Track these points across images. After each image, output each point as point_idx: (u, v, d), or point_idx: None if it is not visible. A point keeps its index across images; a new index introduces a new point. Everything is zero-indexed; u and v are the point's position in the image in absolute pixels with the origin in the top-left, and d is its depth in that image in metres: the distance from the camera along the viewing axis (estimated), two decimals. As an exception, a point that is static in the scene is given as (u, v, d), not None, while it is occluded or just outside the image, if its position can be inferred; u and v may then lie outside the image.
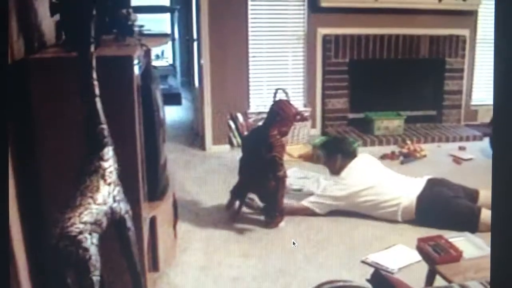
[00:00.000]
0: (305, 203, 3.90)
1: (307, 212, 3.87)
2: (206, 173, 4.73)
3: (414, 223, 3.75)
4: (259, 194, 3.83)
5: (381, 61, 6.10)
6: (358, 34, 5.99)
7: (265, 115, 5.52)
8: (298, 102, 6.05)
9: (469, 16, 6.29)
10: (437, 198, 3.76)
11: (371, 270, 3.01)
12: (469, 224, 3.48)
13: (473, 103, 6.59)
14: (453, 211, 3.66)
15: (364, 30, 6.00)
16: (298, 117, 3.97)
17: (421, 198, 3.79)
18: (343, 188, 3.88)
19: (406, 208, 3.77)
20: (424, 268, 2.72)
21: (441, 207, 3.70)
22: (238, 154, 4.01)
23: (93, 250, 2.01)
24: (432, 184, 3.89)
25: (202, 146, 5.49)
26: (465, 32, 6.29)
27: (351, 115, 6.20)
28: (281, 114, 3.77)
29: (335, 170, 4.06)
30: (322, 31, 5.95)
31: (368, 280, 2.19)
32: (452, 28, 6.25)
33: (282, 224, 3.77)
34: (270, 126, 3.77)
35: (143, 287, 2.47)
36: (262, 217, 3.82)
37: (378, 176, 3.97)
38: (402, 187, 3.89)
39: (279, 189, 3.72)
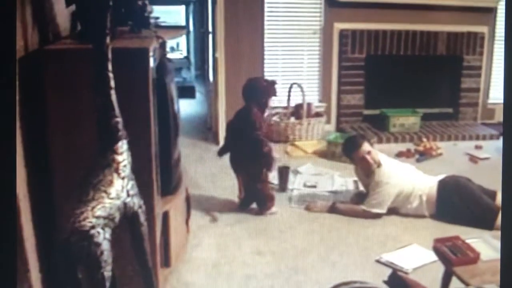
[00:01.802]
0: (368, 207, 3.81)
1: (365, 215, 3.82)
2: (219, 168, 4.68)
3: (431, 220, 3.72)
4: (248, 180, 3.85)
5: (398, 57, 6.04)
6: (375, 29, 5.91)
7: (280, 110, 5.56)
8: (313, 97, 6.02)
9: (488, 13, 6.19)
10: (459, 185, 3.76)
11: (385, 269, 2.99)
12: (487, 220, 3.48)
13: (490, 101, 6.49)
14: (473, 202, 3.64)
15: (381, 26, 5.93)
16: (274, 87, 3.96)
17: (443, 183, 3.79)
18: (392, 183, 3.82)
19: (429, 195, 3.76)
20: (439, 269, 2.67)
21: (462, 195, 3.69)
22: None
23: (105, 245, 1.99)
24: (453, 176, 3.91)
25: (215, 141, 5.45)
26: (483, 29, 6.20)
27: (366, 112, 6.14)
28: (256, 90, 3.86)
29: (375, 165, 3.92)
30: (339, 26, 5.89)
31: (385, 282, 2.14)
32: (470, 25, 6.16)
33: (274, 209, 3.81)
34: (250, 104, 3.84)
35: (154, 283, 2.44)
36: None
37: (402, 169, 3.97)
38: (423, 179, 3.90)
39: (268, 167, 3.79)
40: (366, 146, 3.89)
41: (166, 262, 3.11)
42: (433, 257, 2.86)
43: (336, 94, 6.05)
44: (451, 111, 6.35)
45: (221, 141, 5.35)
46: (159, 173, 2.64)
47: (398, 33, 5.95)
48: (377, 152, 3.98)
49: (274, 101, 4.36)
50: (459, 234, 2.75)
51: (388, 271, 2.77)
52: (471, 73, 6.29)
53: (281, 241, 3.46)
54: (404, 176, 3.85)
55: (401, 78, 6.13)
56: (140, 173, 2.30)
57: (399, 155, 5.15)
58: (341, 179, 4.46)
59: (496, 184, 3.74)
